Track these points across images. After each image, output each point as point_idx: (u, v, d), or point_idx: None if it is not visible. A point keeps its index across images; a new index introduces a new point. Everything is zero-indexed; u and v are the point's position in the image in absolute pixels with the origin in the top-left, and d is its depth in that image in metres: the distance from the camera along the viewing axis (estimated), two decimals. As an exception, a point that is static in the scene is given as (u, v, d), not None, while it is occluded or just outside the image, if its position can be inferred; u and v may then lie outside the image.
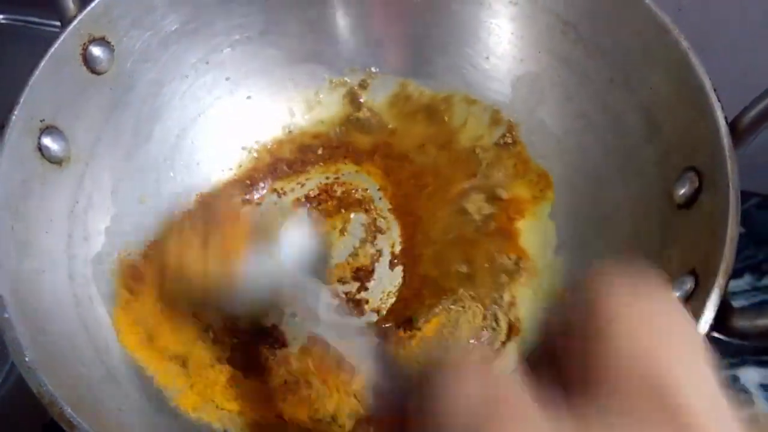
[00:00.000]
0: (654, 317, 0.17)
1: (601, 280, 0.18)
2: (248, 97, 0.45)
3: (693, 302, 0.29)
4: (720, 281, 0.27)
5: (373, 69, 0.46)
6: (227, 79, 0.45)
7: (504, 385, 0.17)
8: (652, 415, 0.15)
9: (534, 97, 0.42)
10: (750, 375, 0.45)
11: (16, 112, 0.33)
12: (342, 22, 0.44)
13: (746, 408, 0.44)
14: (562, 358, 0.18)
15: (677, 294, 0.30)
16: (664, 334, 0.16)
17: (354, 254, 0.41)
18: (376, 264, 0.41)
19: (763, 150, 0.37)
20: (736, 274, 0.50)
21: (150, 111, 0.42)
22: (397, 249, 0.42)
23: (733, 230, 0.28)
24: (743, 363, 0.45)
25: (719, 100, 0.30)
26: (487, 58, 0.43)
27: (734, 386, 0.44)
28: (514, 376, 0.17)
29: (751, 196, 0.52)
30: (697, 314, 0.27)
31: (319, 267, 0.36)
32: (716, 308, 0.27)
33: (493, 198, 0.42)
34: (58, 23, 0.37)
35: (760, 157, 0.40)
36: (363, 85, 0.46)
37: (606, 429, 0.16)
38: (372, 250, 0.42)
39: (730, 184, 0.29)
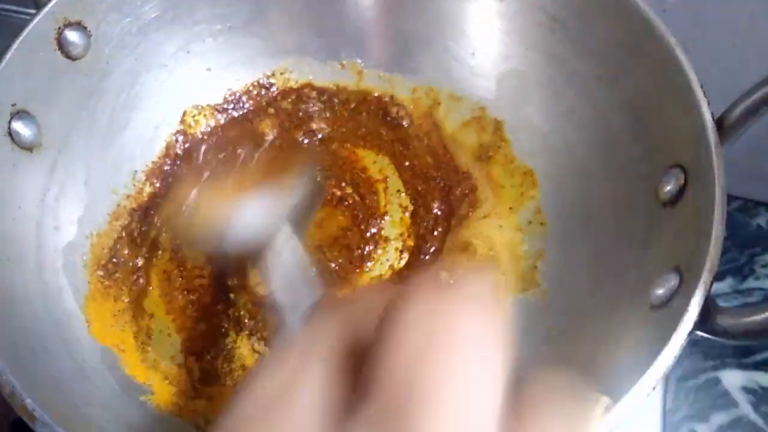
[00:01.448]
0: (431, 320, 0.15)
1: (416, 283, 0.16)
2: (229, 89, 0.44)
3: (677, 300, 0.28)
4: (705, 279, 0.27)
5: (359, 62, 0.45)
6: (208, 69, 0.44)
7: (299, 383, 0.16)
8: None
9: (520, 94, 0.42)
10: (732, 377, 0.45)
11: (-14, 95, 0.32)
12: (326, 14, 0.44)
13: (728, 411, 0.44)
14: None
15: (660, 291, 0.29)
16: (430, 343, 0.15)
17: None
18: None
19: (745, 153, 0.37)
20: (717, 277, 0.51)
21: (127, 100, 0.41)
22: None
23: (718, 228, 0.28)
24: (725, 365, 0.45)
25: (706, 96, 0.30)
26: (473, 54, 0.43)
27: (716, 389, 0.44)
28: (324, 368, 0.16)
29: (733, 200, 0.52)
30: (681, 312, 0.27)
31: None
32: (701, 306, 0.27)
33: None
34: (32, 10, 0.36)
35: (742, 160, 0.40)
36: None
37: None
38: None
39: (716, 181, 0.28)
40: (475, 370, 0.15)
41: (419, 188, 0.43)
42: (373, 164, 0.44)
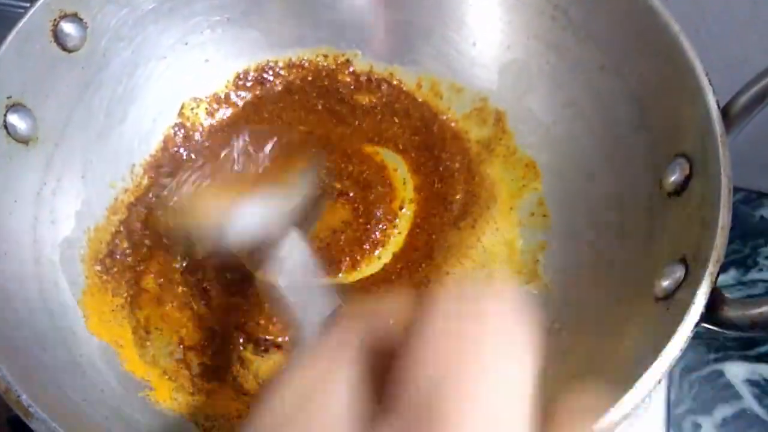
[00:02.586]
0: (453, 333, 0.15)
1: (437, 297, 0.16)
2: (228, 81, 0.44)
3: (682, 292, 0.28)
4: (711, 270, 0.27)
5: (358, 54, 0.44)
6: (206, 61, 0.43)
7: (329, 385, 0.16)
8: None
9: (522, 84, 0.41)
10: (735, 370, 0.44)
11: (-20, 88, 0.32)
12: (325, 5, 0.43)
13: (732, 403, 0.43)
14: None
15: (665, 283, 0.29)
16: (454, 351, 0.15)
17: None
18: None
19: (748, 144, 0.37)
20: (721, 268, 0.50)
21: (124, 92, 0.40)
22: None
23: (725, 218, 0.27)
24: (728, 358, 0.45)
25: (711, 84, 0.30)
26: (474, 44, 0.42)
27: (719, 381, 0.44)
28: (350, 375, 0.16)
29: (736, 191, 0.51)
30: (687, 304, 0.26)
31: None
32: (707, 298, 0.26)
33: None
34: (27, 4, 0.35)
35: (745, 152, 0.39)
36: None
37: None
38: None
39: (722, 171, 0.28)
40: (503, 380, 0.14)
41: (426, 181, 0.42)
42: (378, 156, 0.43)
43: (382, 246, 0.40)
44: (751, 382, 0.44)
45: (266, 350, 0.36)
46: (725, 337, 0.45)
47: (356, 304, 0.19)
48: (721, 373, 0.44)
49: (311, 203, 0.34)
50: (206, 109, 0.44)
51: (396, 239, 0.41)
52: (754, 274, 0.49)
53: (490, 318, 0.15)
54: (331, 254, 0.40)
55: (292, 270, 0.29)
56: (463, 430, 0.14)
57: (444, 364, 0.14)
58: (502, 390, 0.14)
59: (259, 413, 0.16)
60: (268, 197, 0.33)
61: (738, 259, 0.49)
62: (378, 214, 0.41)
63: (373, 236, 0.41)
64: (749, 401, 0.43)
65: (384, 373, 0.16)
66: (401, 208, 0.42)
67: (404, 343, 0.15)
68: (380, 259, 0.40)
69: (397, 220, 0.41)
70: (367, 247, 0.40)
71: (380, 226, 0.41)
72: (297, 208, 0.33)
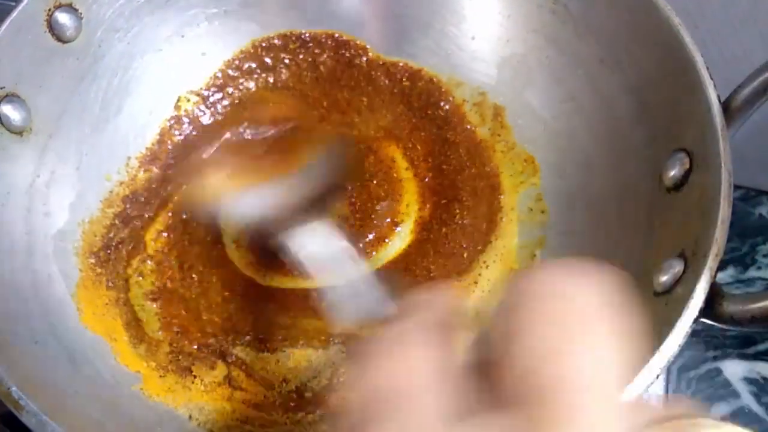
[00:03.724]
0: (559, 317, 0.15)
1: (523, 277, 0.16)
2: (225, 74, 0.44)
3: (681, 287, 0.28)
4: (711, 264, 0.26)
5: (356, 47, 0.44)
6: (203, 54, 0.43)
7: (417, 377, 0.15)
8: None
9: (521, 79, 0.41)
10: (733, 368, 0.44)
11: (-26, 78, 0.32)
12: (324, -2, 0.43)
13: (730, 402, 0.43)
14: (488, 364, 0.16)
15: (664, 278, 0.29)
16: (562, 338, 0.14)
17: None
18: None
19: (747, 141, 0.36)
20: (719, 266, 0.50)
21: (120, 85, 0.40)
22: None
23: (724, 212, 0.27)
24: (726, 356, 0.45)
25: (711, 78, 0.29)
26: (473, 38, 0.42)
27: (717, 379, 0.44)
28: (440, 364, 0.15)
29: (735, 189, 0.51)
30: (686, 299, 0.26)
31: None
32: (706, 293, 0.26)
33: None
34: None
35: (743, 149, 0.39)
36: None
37: None
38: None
39: (722, 164, 0.28)
40: (607, 358, 0.14)
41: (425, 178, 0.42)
42: (379, 148, 0.43)
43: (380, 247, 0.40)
44: (749, 380, 0.44)
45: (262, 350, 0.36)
46: (723, 335, 0.44)
47: (410, 299, 0.18)
48: (719, 371, 0.44)
49: (328, 190, 0.33)
50: (203, 102, 0.43)
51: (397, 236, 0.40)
52: (752, 272, 0.48)
53: (583, 297, 0.15)
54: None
55: (325, 254, 0.29)
56: (577, 411, 0.13)
57: (542, 346, 0.14)
58: (606, 369, 0.14)
59: (339, 416, 0.15)
60: (282, 183, 0.32)
61: (736, 257, 0.49)
62: (377, 209, 0.41)
63: (370, 234, 0.40)
64: (747, 399, 0.43)
65: (465, 367, 0.15)
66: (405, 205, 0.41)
67: (491, 330, 0.15)
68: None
69: (399, 217, 0.41)
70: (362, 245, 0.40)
71: (377, 222, 0.41)
72: (313, 194, 0.32)
